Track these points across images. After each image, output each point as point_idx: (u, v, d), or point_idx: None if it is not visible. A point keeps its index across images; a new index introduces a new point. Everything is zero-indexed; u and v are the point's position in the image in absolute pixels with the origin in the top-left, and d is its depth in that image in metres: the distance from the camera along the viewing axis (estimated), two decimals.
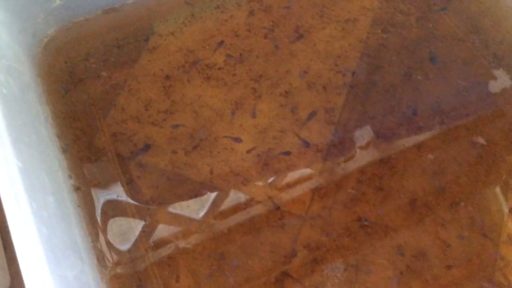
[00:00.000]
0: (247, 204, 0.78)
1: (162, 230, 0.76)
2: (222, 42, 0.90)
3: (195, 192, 0.79)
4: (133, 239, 0.74)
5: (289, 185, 0.80)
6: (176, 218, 0.77)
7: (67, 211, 0.64)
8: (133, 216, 0.77)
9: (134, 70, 0.88)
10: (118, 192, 0.78)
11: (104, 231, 0.73)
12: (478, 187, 0.79)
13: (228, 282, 0.72)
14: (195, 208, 0.78)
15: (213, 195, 0.78)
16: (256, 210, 0.78)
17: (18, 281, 0.69)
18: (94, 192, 0.76)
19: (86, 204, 0.72)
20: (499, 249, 0.75)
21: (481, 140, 0.81)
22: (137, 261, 0.73)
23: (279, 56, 0.90)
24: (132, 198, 0.77)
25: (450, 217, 0.77)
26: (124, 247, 0.74)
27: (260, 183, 0.80)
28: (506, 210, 0.77)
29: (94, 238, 0.69)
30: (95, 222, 0.71)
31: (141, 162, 0.81)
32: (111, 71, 0.88)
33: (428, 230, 0.76)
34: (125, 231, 0.76)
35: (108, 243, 0.72)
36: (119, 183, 0.79)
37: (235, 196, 0.79)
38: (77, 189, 0.73)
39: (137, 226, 0.76)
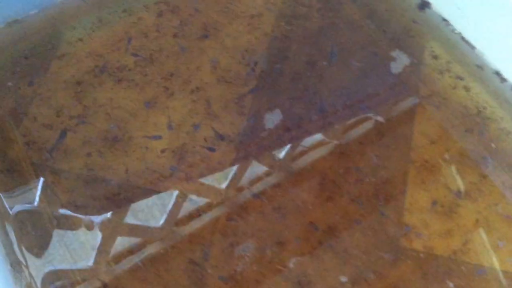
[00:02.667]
0: (166, 199, 0.80)
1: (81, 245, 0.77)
2: (131, 44, 0.92)
3: (111, 192, 0.80)
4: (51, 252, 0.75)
5: (205, 176, 0.82)
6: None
7: None
8: (52, 226, 0.77)
9: (44, 78, 0.89)
10: (33, 200, 0.78)
11: (20, 242, 0.74)
12: (380, 162, 0.84)
13: (148, 273, 0.74)
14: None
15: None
16: (175, 206, 0.80)
17: None
18: (8, 203, 0.76)
19: (1, 217, 0.73)
20: (403, 217, 0.80)
21: (380, 119, 0.86)
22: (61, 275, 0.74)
23: (189, 53, 0.92)
24: (48, 204, 0.78)
25: (357, 193, 0.81)
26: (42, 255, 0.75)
27: (176, 178, 0.82)
28: (410, 177, 0.82)
29: (9, 250, 0.69)
30: (7, 235, 0.72)
31: (55, 168, 0.81)
32: (21, 82, 0.88)
33: (337, 206, 0.80)
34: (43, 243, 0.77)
35: (25, 255, 0.73)
36: (34, 191, 0.79)
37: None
38: None
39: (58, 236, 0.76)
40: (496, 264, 0.75)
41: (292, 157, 0.84)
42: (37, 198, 0.78)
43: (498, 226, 0.78)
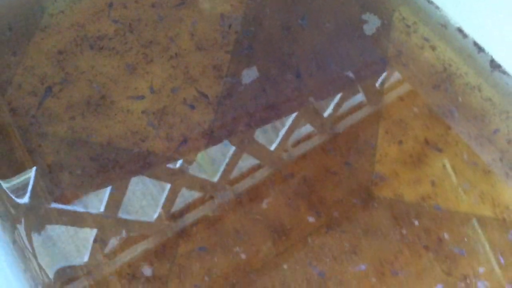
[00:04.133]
0: (147, 160, 0.84)
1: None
2: (111, 14, 0.95)
3: (95, 153, 0.83)
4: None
5: (185, 136, 0.86)
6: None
7: None
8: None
9: (28, 49, 0.92)
10: (21, 161, 0.82)
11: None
12: (351, 117, 0.88)
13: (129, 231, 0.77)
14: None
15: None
16: (156, 163, 0.84)
17: None
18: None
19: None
20: (374, 168, 0.84)
21: (352, 76, 0.90)
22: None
23: (167, 22, 0.96)
24: (34, 164, 0.81)
25: (331, 146, 0.85)
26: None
27: (157, 138, 0.85)
28: (380, 131, 0.87)
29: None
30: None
31: (40, 131, 0.85)
32: (5, 52, 0.91)
33: (312, 159, 0.84)
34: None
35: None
36: (21, 153, 0.83)
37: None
38: None
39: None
40: (462, 206, 0.80)
41: (268, 116, 0.88)
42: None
43: (464, 172, 0.83)
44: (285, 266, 0.74)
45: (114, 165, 0.83)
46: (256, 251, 0.76)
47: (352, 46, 0.94)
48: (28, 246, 0.76)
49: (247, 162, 0.84)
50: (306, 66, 0.92)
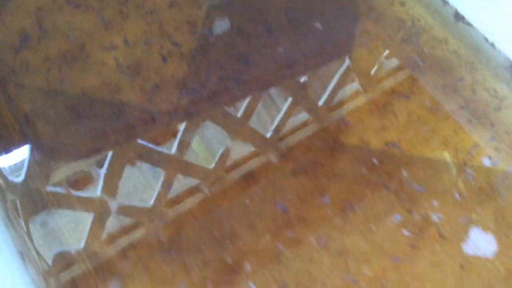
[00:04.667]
0: (121, 111, 0.86)
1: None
2: None
3: (71, 102, 0.86)
4: None
5: (158, 87, 0.88)
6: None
7: None
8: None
9: (8, 7, 0.94)
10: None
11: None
12: (323, 71, 0.90)
13: None
14: None
15: None
16: (130, 114, 0.87)
17: None
18: None
19: None
20: (342, 117, 0.86)
21: (318, 26, 0.93)
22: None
23: None
24: (11, 112, 0.84)
25: (300, 96, 0.88)
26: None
27: (130, 90, 0.88)
28: (348, 82, 0.89)
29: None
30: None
31: (18, 82, 0.87)
32: None
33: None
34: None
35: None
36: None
37: None
38: None
39: None
40: (425, 151, 0.82)
41: (240, 68, 0.90)
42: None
43: (428, 119, 0.85)
44: (251, 205, 0.77)
45: (89, 114, 0.86)
46: (223, 191, 0.78)
47: (323, 1, 0.97)
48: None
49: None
50: (277, 21, 0.94)
